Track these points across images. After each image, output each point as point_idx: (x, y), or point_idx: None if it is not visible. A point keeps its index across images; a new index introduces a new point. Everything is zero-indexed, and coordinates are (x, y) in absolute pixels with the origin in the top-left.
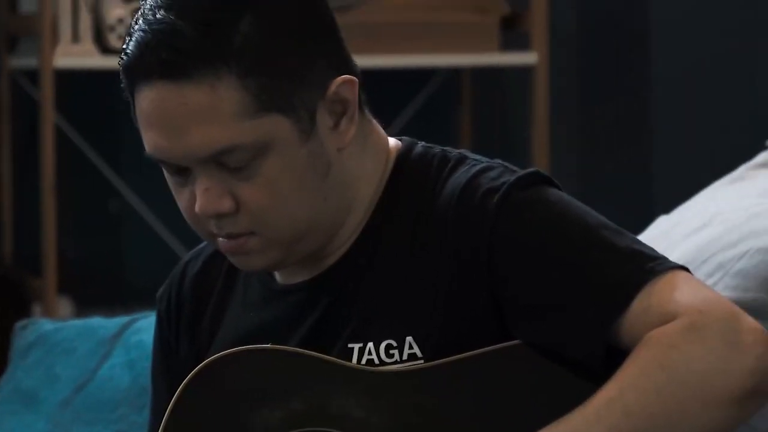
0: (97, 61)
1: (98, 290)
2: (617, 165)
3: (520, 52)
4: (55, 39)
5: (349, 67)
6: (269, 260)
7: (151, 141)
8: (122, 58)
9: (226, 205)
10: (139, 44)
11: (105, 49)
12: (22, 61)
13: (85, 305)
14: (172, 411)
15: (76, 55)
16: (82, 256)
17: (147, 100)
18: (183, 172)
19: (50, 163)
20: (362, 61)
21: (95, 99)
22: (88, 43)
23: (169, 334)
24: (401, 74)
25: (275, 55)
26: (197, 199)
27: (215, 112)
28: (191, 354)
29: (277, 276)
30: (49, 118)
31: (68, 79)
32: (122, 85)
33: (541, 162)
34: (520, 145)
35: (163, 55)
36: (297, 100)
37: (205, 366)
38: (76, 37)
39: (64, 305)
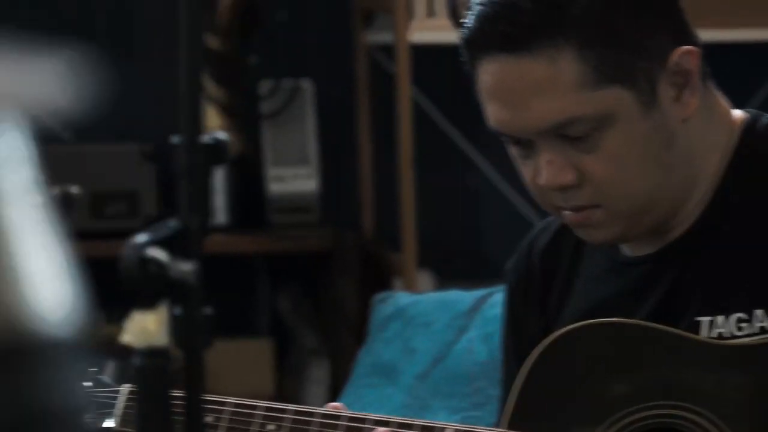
0: (452, 35)
1: (458, 264)
2: None
3: None
4: (409, 14)
5: (689, 38)
6: (613, 233)
7: (492, 114)
8: (464, 32)
9: (569, 177)
10: (479, 18)
11: (459, 23)
12: (378, 36)
13: (446, 279)
14: (524, 383)
15: (431, 29)
16: (441, 230)
17: (487, 73)
18: (526, 144)
19: (408, 138)
20: (716, 35)
21: (452, 73)
22: (442, 17)
23: (518, 306)
24: (759, 49)
25: (614, 26)
26: (541, 171)
27: (554, 85)
28: (540, 326)
29: (622, 248)
30: (406, 93)
31: (424, 53)
32: (463, 59)
33: None
34: None
35: (502, 29)
36: (637, 72)
37: (556, 339)
38: (431, 12)
39: (425, 279)
